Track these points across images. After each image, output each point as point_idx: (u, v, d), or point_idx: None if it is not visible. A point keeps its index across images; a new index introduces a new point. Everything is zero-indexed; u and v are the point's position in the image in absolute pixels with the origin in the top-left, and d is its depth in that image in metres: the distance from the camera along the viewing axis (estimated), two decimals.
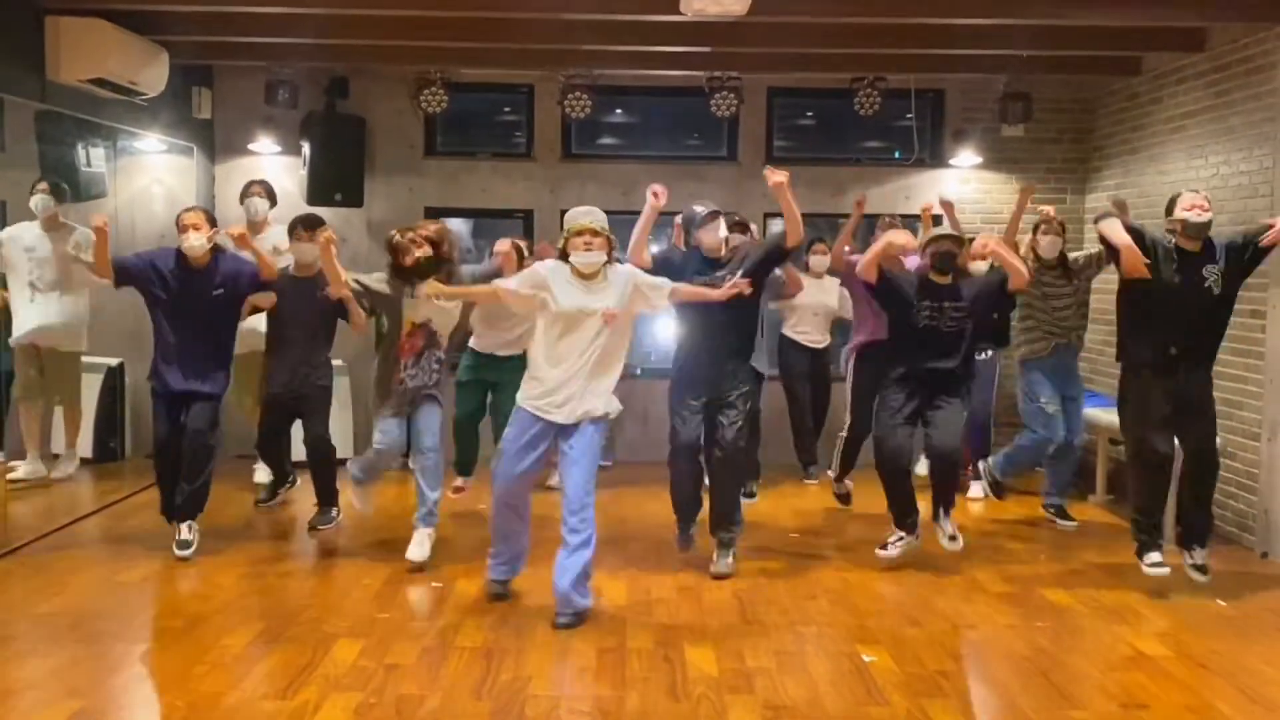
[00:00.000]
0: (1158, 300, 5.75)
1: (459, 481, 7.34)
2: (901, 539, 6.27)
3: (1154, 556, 5.83)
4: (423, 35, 7.61)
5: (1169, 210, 5.83)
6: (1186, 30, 7.32)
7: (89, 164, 8.36)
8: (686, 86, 8.83)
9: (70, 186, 8.00)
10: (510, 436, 5.38)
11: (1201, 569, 5.83)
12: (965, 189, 9.22)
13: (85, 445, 8.39)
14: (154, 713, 4.28)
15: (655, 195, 5.90)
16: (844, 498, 7.55)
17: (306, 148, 8.72)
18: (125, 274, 6.19)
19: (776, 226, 9.34)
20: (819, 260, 8.09)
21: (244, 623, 5.19)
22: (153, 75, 7.37)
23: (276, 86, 8.51)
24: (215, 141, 9.09)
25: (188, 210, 6.38)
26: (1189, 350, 5.80)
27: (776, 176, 5.79)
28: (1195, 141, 7.50)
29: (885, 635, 5.17)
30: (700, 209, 6.10)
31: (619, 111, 9.73)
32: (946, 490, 6.30)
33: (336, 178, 8.71)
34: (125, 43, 6.96)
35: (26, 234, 7.58)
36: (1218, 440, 6.03)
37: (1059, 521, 7.28)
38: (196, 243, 6.17)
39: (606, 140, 9.76)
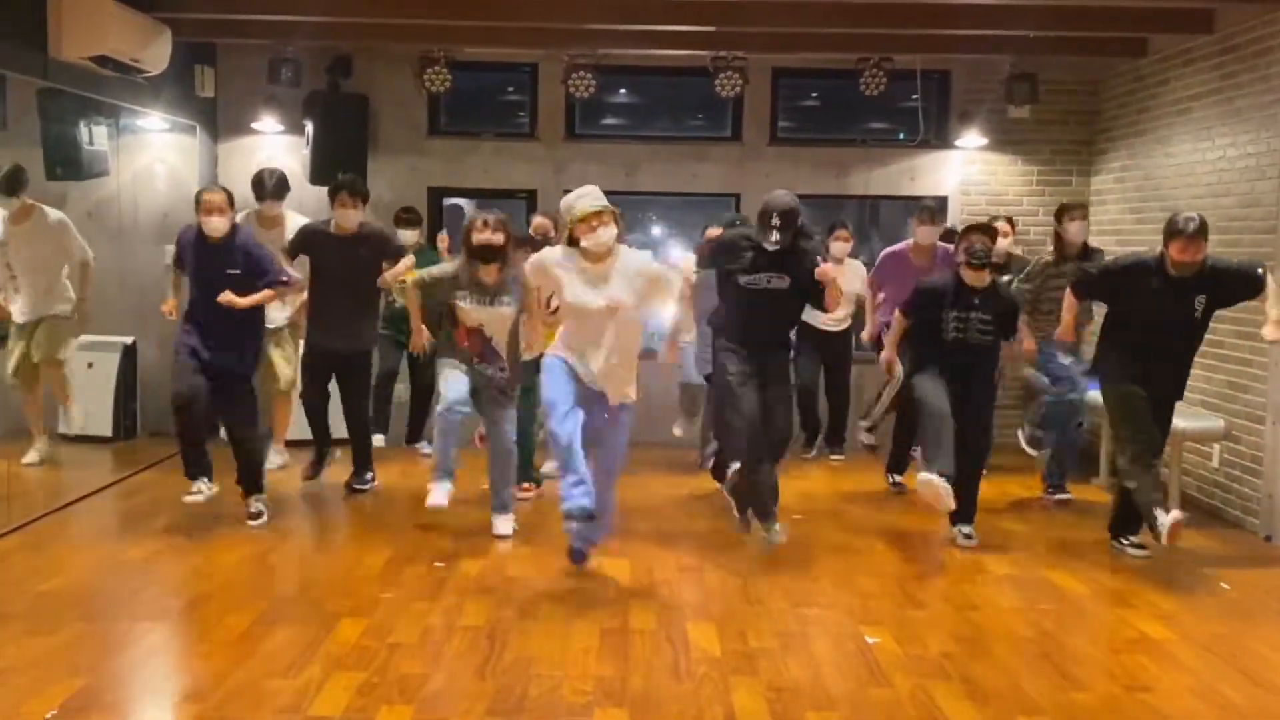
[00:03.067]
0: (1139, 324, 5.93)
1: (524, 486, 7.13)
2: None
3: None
4: (426, 13, 7.58)
5: (1167, 232, 5.82)
6: (1194, 11, 7.26)
7: (91, 142, 8.33)
8: (690, 66, 8.78)
9: (72, 164, 7.99)
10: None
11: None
12: (970, 170, 9.20)
13: (103, 423, 8.47)
14: (156, 692, 4.28)
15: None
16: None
17: (309, 127, 8.68)
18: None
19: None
20: (840, 246, 8.09)
21: (247, 602, 5.19)
22: (155, 53, 7.32)
23: (280, 65, 8.46)
24: (218, 120, 9.05)
25: (209, 191, 6.38)
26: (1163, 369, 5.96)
27: (825, 270, 5.96)
28: (1202, 124, 7.46)
29: (888, 617, 5.17)
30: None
31: (623, 91, 9.70)
32: (970, 490, 6.24)
33: (339, 157, 8.66)
34: (128, 20, 6.92)
35: None
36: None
37: (1057, 496, 7.32)
38: (219, 225, 6.24)
39: (610, 120, 9.72)
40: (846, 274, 8.05)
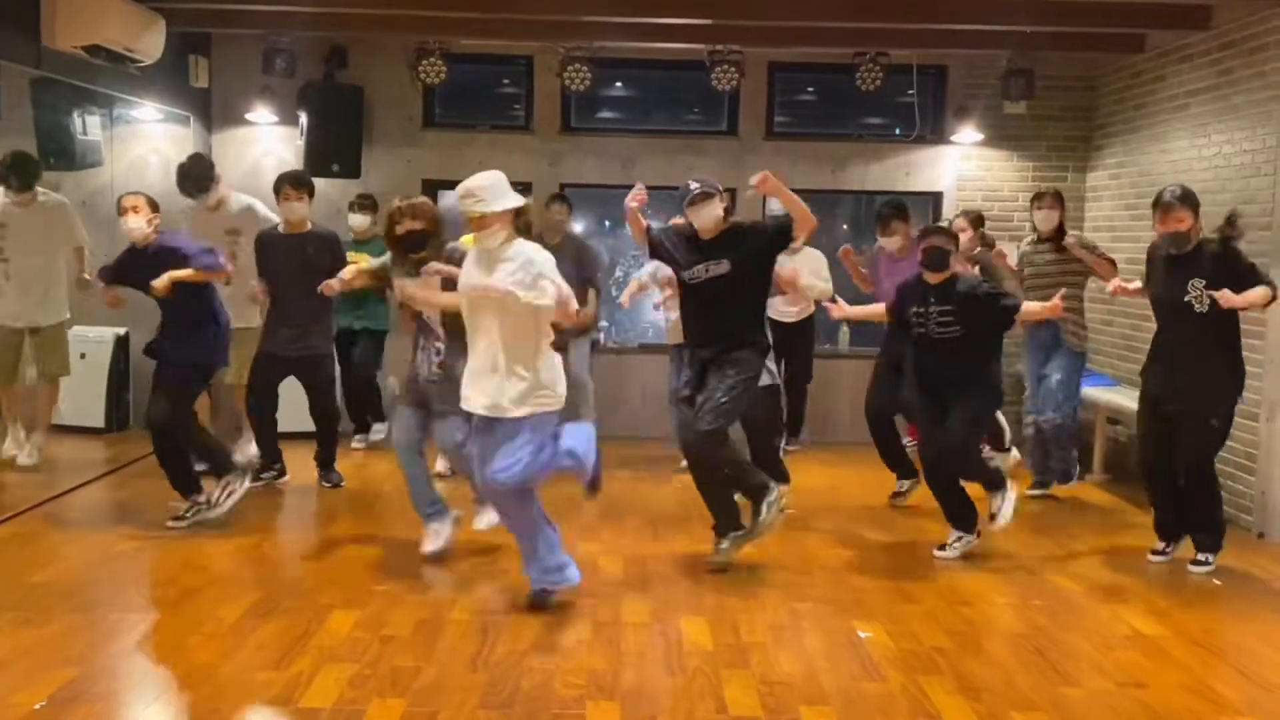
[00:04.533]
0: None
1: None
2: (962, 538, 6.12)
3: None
4: (422, 5, 7.59)
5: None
6: (1191, 7, 7.26)
7: (85, 132, 8.31)
8: (687, 60, 8.77)
9: (66, 154, 7.95)
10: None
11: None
12: (967, 166, 9.19)
13: (95, 414, 8.45)
14: (148, 683, 4.26)
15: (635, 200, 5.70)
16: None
17: (304, 118, 8.67)
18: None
19: (775, 206, 9.34)
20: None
21: (239, 594, 5.18)
22: (149, 42, 7.30)
23: (274, 55, 8.44)
24: (212, 111, 9.03)
25: (129, 194, 6.26)
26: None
27: (755, 179, 5.50)
28: (1198, 120, 7.45)
29: (881, 611, 5.16)
30: (694, 186, 5.60)
31: (619, 85, 9.68)
32: (943, 501, 6.09)
33: (334, 148, 8.67)
34: (122, 9, 6.90)
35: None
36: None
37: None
38: (135, 225, 6.09)
39: (606, 114, 9.71)
40: (800, 262, 8.02)
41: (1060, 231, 7.15)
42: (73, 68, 6.98)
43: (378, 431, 8.38)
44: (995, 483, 6.20)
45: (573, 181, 9.11)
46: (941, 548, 6.05)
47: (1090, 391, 7.63)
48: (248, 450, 7.39)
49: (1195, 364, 5.70)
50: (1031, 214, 7.29)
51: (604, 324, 8.94)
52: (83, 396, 8.29)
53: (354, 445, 8.29)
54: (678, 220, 6.19)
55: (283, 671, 4.28)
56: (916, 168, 9.21)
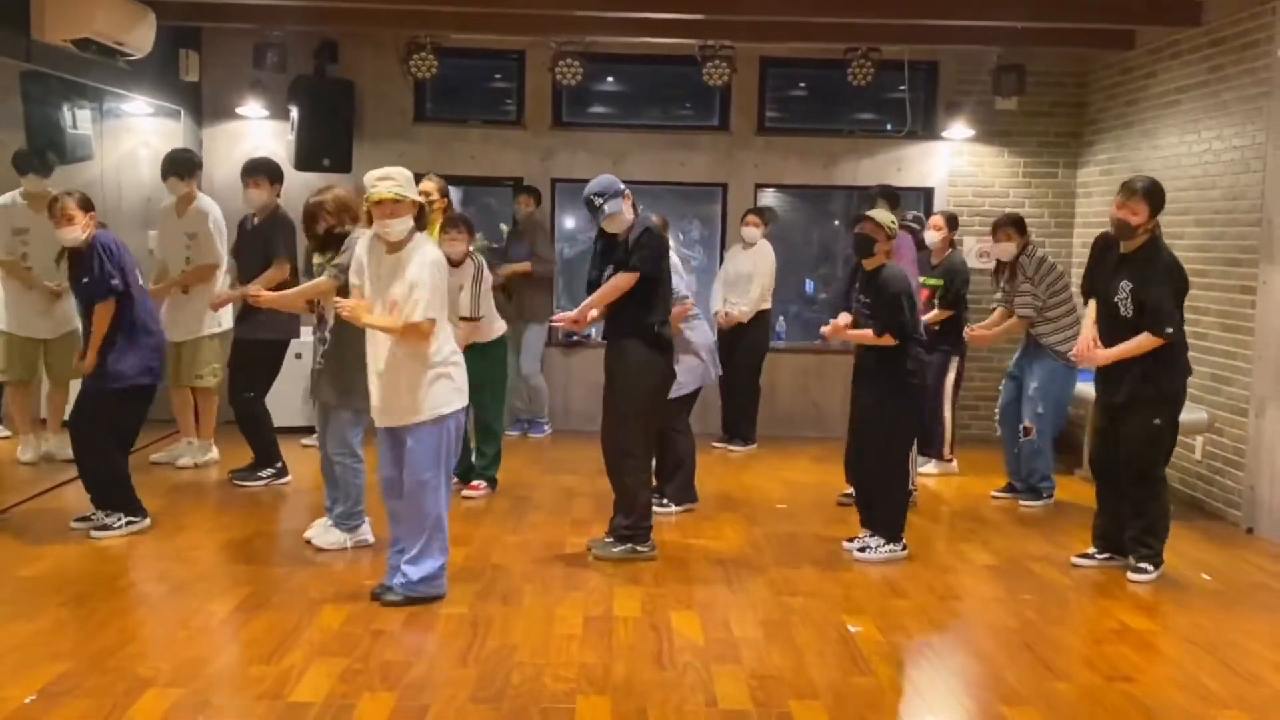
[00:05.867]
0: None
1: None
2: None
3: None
4: None
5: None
6: (1182, 4, 7.28)
7: (75, 126, 8.28)
8: (679, 55, 8.77)
9: (56, 148, 7.91)
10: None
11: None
12: (958, 162, 9.20)
13: None
14: (137, 677, 4.25)
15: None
16: None
17: (295, 112, 8.64)
18: None
19: (766, 198, 9.36)
20: (750, 231, 8.36)
21: (229, 589, 5.17)
22: (139, 36, 7.27)
23: (265, 49, 8.42)
24: (203, 105, 9.01)
25: (65, 195, 5.80)
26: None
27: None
28: (1189, 116, 7.47)
29: (871, 606, 5.18)
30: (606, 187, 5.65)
31: (610, 80, 9.67)
32: (874, 505, 5.99)
33: (325, 143, 8.65)
34: (112, 3, 6.87)
35: (16, 215, 7.15)
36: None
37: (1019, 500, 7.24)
38: (69, 236, 5.72)
39: (597, 109, 9.70)
40: (758, 258, 8.34)
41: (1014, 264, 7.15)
42: (62, 61, 6.96)
43: None
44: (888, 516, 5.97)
45: (564, 176, 9.10)
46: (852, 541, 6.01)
47: (1083, 387, 7.62)
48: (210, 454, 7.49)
49: (1130, 362, 5.50)
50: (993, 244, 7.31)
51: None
52: (71, 392, 8.22)
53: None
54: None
55: (273, 666, 4.27)
56: (908, 163, 9.21)
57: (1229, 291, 6.89)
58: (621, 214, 5.63)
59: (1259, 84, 6.68)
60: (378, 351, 4.87)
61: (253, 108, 8.85)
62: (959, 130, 9.04)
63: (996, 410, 7.45)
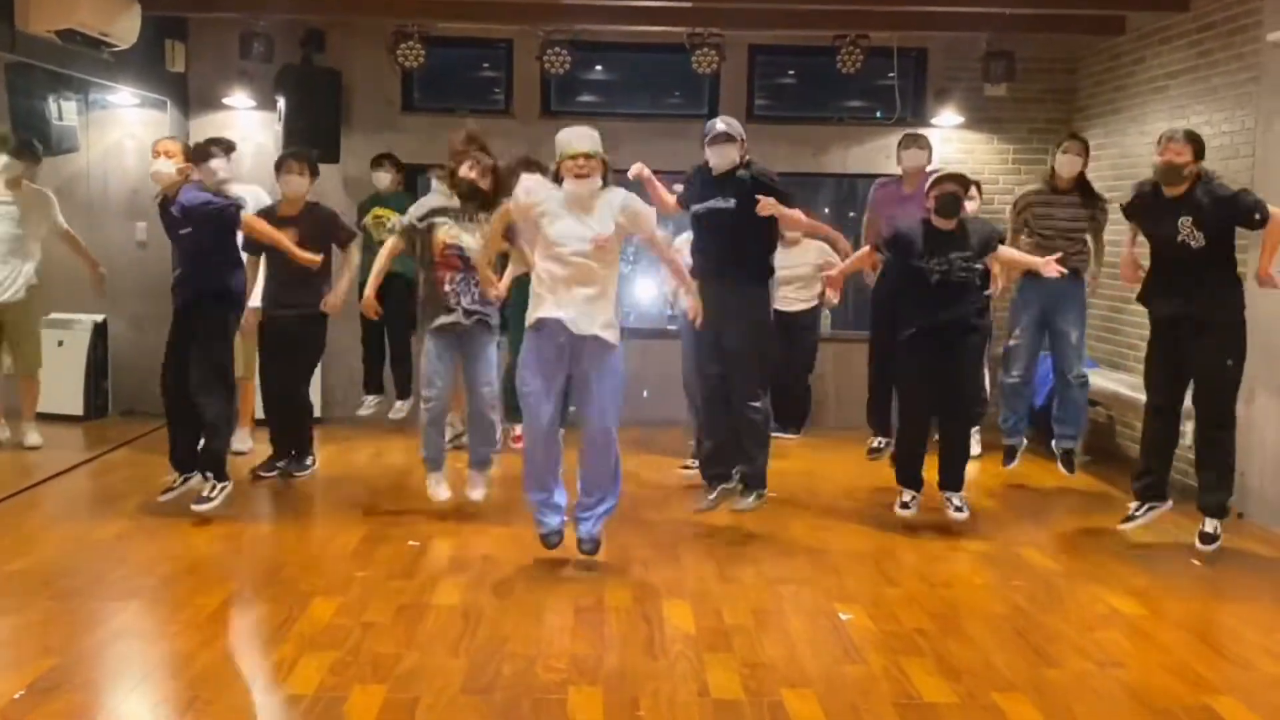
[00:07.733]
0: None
1: (517, 430, 7.01)
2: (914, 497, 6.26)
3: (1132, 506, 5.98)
4: None
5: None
6: None
7: (60, 117, 8.24)
8: (667, 43, 8.73)
9: (41, 140, 7.87)
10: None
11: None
12: (947, 149, 9.18)
13: (75, 402, 8.38)
14: (127, 671, 4.24)
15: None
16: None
17: (282, 102, 8.59)
18: None
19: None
20: None
21: (219, 581, 5.16)
22: (125, 27, 7.20)
23: (251, 39, 8.36)
24: (189, 95, 8.96)
25: (164, 138, 6.24)
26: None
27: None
28: (1177, 101, 7.46)
29: (862, 594, 5.18)
30: (720, 125, 6.08)
31: (599, 68, 9.64)
32: (955, 455, 6.23)
33: (312, 133, 8.58)
34: None
35: None
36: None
37: (1061, 467, 7.15)
38: (161, 168, 5.94)
39: (586, 97, 9.67)
40: (800, 253, 8.23)
41: (1082, 182, 7.04)
42: (47, 52, 6.91)
43: (398, 410, 8.07)
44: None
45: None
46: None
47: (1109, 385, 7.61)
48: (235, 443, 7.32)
49: (1204, 283, 5.65)
50: (1056, 158, 7.06)
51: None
52: (61, 383, 8.23)
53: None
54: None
55: (264, 659, 4.26)
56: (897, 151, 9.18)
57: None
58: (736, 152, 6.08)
59: (1247, 69, 6.68)
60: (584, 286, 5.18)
61: (239, 98, 8.80)
62: (948, 117, 9.02)
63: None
